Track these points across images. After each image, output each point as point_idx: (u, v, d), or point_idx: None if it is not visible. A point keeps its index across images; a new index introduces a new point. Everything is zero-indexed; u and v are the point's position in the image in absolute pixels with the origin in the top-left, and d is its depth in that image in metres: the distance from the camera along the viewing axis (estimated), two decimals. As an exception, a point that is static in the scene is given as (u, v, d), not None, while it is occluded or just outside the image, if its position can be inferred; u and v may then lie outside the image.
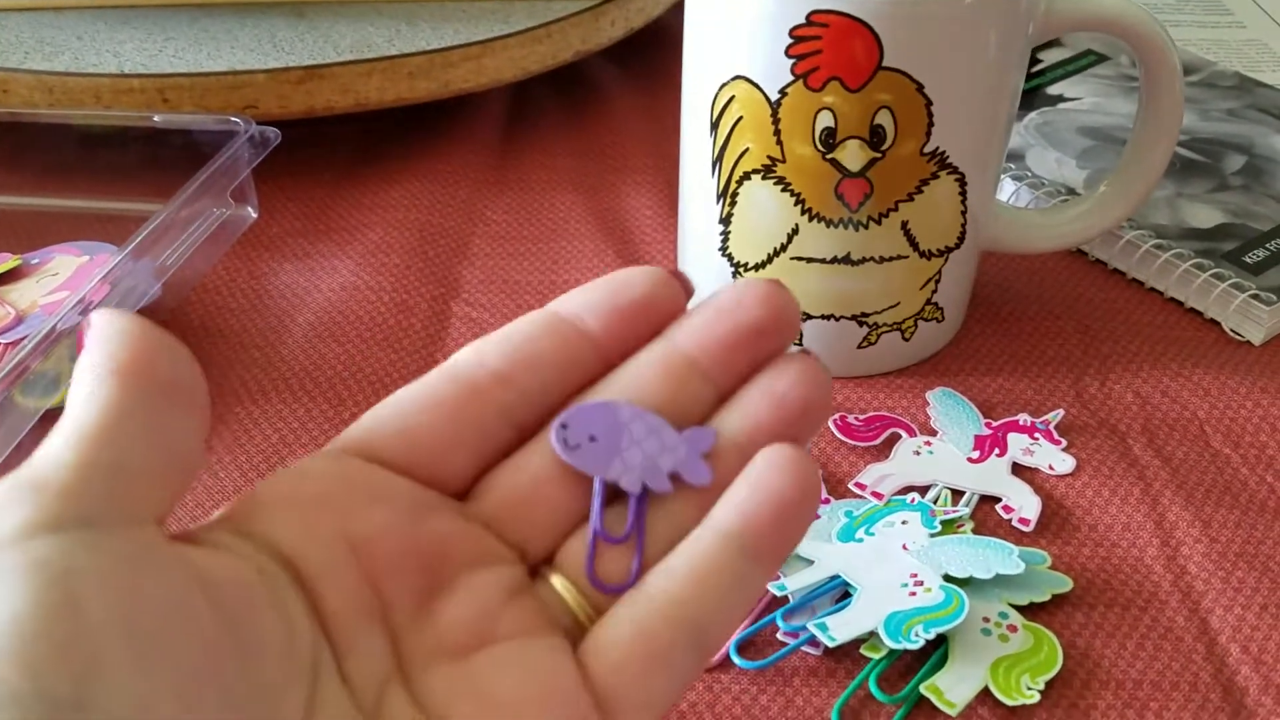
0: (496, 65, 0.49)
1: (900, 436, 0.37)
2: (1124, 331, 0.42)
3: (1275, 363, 0.41)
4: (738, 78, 0.35)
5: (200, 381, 0.19)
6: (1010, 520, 0.35)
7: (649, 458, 0.22)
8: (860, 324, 0.39)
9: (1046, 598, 0.32)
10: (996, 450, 0.37)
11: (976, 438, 0.37)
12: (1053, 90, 0.53)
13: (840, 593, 0.32)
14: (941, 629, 0.30)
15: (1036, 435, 0.37)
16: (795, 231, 0.37)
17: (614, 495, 0.22)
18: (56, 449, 0.17)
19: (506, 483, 0.22)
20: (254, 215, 0.44)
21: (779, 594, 0.32)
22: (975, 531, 0.35)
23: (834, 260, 0.37)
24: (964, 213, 0.37)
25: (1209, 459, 0.37)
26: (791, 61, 0.34)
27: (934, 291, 0.39)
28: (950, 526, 0.34)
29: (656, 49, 0.58)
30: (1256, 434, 0.38)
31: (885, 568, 0.32)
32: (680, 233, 0.42)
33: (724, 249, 0.39)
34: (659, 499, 0.22)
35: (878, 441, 0.37)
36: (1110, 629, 0.32)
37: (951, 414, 0.38)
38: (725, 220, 0.38)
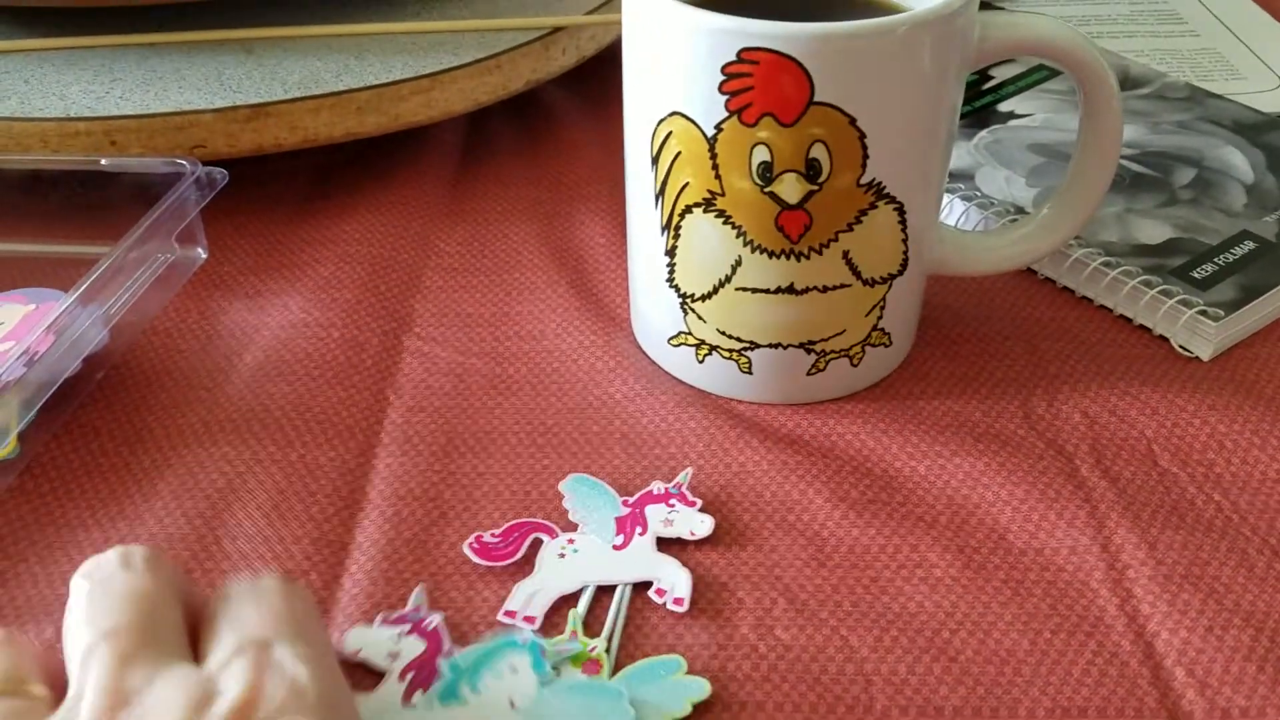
0: (446, 97, 0.49)
1: (542, 542, 0.35)
2: (1072, 350, 0.42)
3: (1223, 379, 0.41)
4: (674, 114, 0.35)
5: None
6: (665, 603, 0.33)
7: None
8: (808, 352, 0.39)
9: (687, 711, 0.30)
10: (639, 529, 0.35)
11: (617, 520, 0.35)
12: (1004, 107, 0.53)
13: None
14: None
15: (673, 501, 0.36)
16: (739, 263, 0.37)
17: None
18: None
19: None
20: (203, 256, 0.44)
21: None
22: (631, 623, 0.32)
23: (778, 290, 0.37)
24: (905, 240, 0.37)
25: (1156, 478, 0.37)
26: (725, 98, 0.34)
27: (880, 318, 0.39)
28: (578, 659, 0.31)
29: (610, 74, 0.58)
30: (1204, 451, 0.38)
31: None
32: (630, 264, 0.42)
33: (671, 280, 0.39)
34: None
35: (519, 555, 0.34)
36: (1056, 654, 0.32)
37: (588, 501, 0.36)
38: (670, 253, 0.38)
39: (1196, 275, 0.43)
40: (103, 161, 0.44)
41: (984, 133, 0.51)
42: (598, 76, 0.58)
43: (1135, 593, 0.34)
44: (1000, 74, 0.55)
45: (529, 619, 0.33)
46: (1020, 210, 0.46)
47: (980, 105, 0.53)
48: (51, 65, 0.49)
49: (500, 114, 0.56)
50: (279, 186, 0.52)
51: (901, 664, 0.32)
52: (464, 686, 0.30)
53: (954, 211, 0.47)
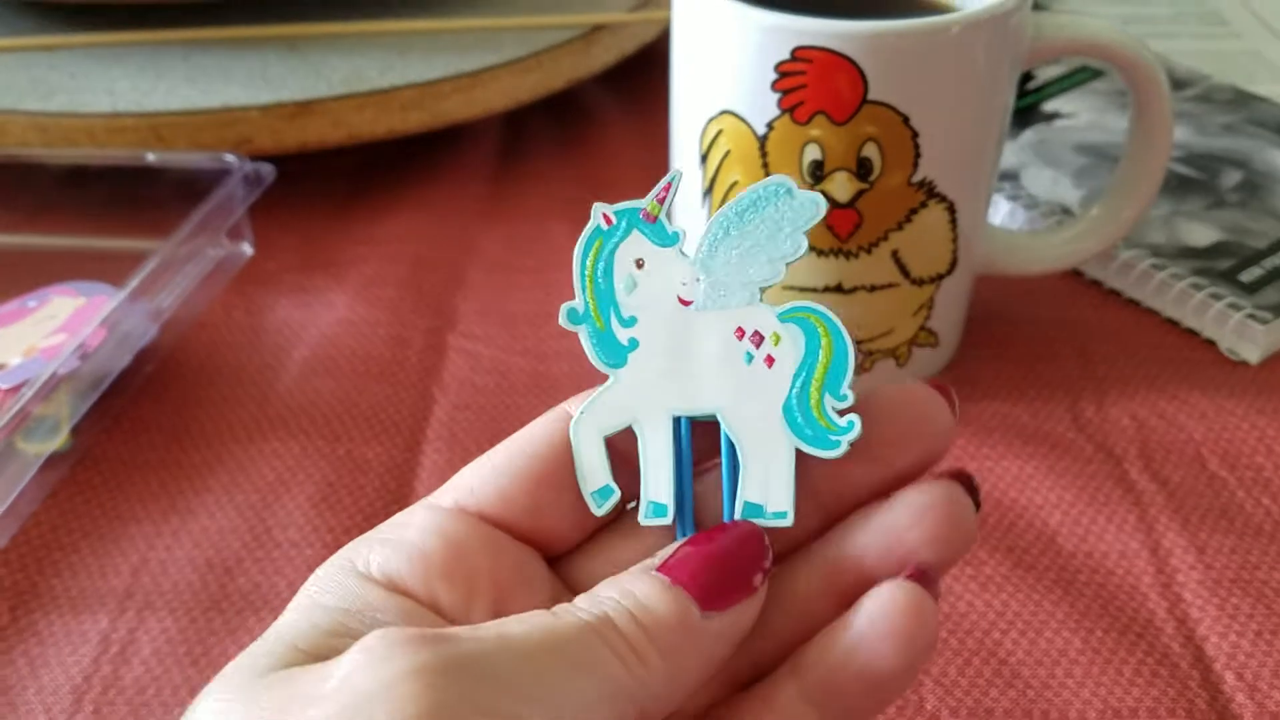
0: (488, 95, 0.49)
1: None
2: (1120, 353, 0.42)
3: (1272, 382, 0.41)
4: (725, 112, 0.35)
5: None
6: None
7: None
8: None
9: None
10: None
11: None
12: (1048, 107, 0.53)
13: None
14: None
15: None
16: (786, 262, 0.37)
17: None
18: None
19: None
20: (250, 252, 0.44)
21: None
22: None
23: (825, 289, 0.37)
24: (954, 240, 0.37)
25: (1205, 482, 0.37)
26: (777, 96, 0.34)
27: (927, 318, 0.39)
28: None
29: (649, 72, 0.58)
30: (1253, 455, 0.38)
31: None
32: (673, 261, 0.42)
33: (716, 279, 0.39)
34: None
35: None
36: (1107, 655, 0.32)
37: None
38: (717, 251, 0.38)
39: (1244, 279, 0.43)
40: (149, 157, 0.45)
41: (1028, 132, 0.51)
42: (637, 75, 0.58)
43: (1185, 596, 0.34)
44: (1044, 74, 0.55)
45: None
46: (1066, 210, 0.46)
47: (1024, 105, 0.53)
48: (97, 61, 0.49)
49: (539, 113, 0.57)
50: (321, 182, 0.52)
51: (952, 665, 0.32)
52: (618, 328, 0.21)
53: (999, 211, 0.47)
